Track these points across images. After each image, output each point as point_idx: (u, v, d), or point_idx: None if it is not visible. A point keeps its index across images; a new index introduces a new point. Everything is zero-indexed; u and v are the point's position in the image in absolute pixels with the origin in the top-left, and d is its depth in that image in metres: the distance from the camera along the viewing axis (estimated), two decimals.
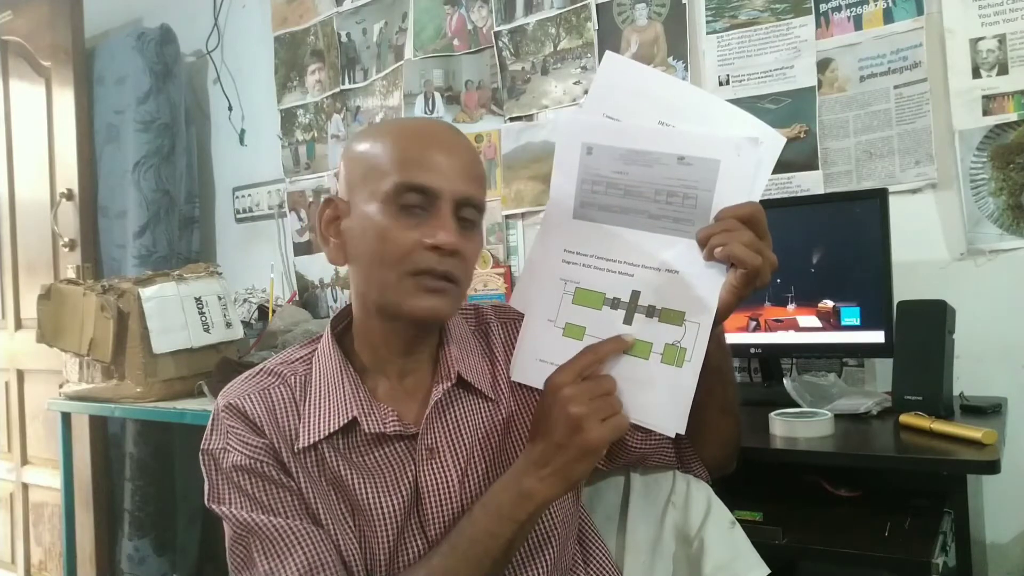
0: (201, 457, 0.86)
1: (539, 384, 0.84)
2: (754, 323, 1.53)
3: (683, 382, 0.82)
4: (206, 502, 0.84)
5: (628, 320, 0.85)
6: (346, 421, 0.84)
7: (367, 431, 0.84)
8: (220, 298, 2.01)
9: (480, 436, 0.89)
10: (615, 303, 0.86)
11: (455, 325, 0.94)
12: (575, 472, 0.78)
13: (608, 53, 0.91)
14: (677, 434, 0.95)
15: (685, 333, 0.83)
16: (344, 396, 0.86)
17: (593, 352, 0.81)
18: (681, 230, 0.84)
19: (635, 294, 0.85)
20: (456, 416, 0.89)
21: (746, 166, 0.82)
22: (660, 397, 0.83)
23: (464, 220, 0.84)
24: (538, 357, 0.88)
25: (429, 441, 0.86)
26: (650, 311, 0.85)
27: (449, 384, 0.88)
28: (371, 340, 0.89)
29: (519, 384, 0.92)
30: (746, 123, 0.85)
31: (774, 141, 0.84)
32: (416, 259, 0.81)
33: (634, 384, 0.82)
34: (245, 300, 2.38)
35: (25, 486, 2.79)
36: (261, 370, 0.90)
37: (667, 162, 0.84)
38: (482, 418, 0.90)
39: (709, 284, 0.83)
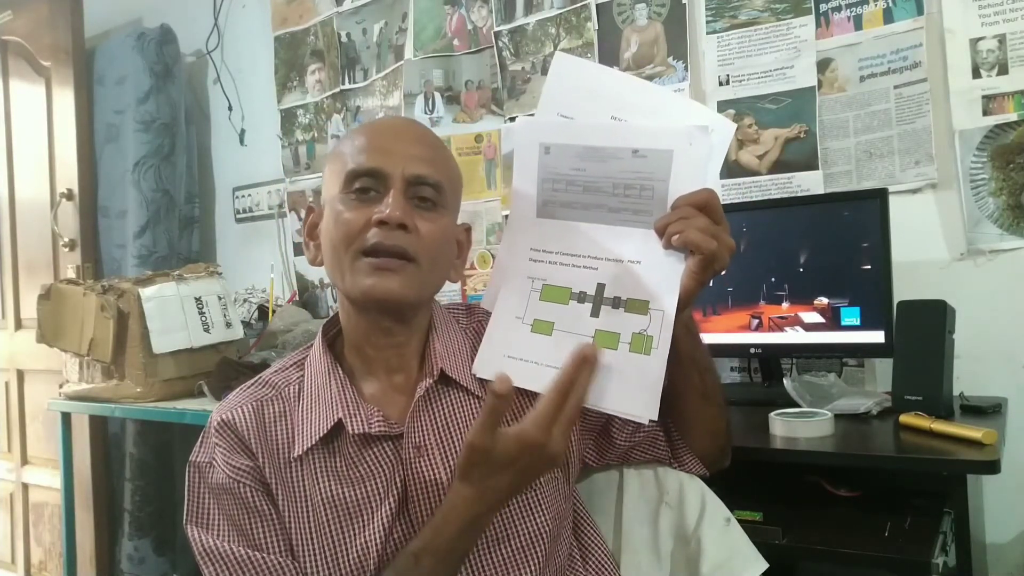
0: (187, 468, 0.87)
1: None
2: (756, 321, 1.53)
3: (652, 369, 0.83)
4: (184, 524, 0.85)
5: (595, 312, 0.87)
6: (332, 424, 0.85)
7: (352, 432, 0.84)
8: (220, 298, 2.00)
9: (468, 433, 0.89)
10: (582, 297, 0.87)
11: (443, 321, 0.94)
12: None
13: (558, 53, 0.93)
14: (669, 428, 0.95)
15: (651, 321, 0.84)
16: (331, 398, 0.86)
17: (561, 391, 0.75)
18: (641, 221, 0.86)
19: (600, 287, 0.87)
20: (443, 413, 0.89)
21: (698, 154, 0.83)
22: (631, 385, 0.84)
23: (422, 199, 0.85)
24: (506, 354, 0.89)
25: (416, 439, 0.86)
26: (616, 302, 0.86)
27: (432, 380, 0.88)
28: (355, 338, 0.90)
29: None
30: (696, 112, 0.87)
31: (725, 128, 0.85)
32: (365, 237, 0.82)
33: (605, 375, 0.83)
34: (245, 300, 2.37)
35: (25, 486, 2.79)
36: (257, 381, 0.92)
37: (622, 156, 0.85)
38: (470, 414, 0.89)
39: (670, 272, 0.84)
